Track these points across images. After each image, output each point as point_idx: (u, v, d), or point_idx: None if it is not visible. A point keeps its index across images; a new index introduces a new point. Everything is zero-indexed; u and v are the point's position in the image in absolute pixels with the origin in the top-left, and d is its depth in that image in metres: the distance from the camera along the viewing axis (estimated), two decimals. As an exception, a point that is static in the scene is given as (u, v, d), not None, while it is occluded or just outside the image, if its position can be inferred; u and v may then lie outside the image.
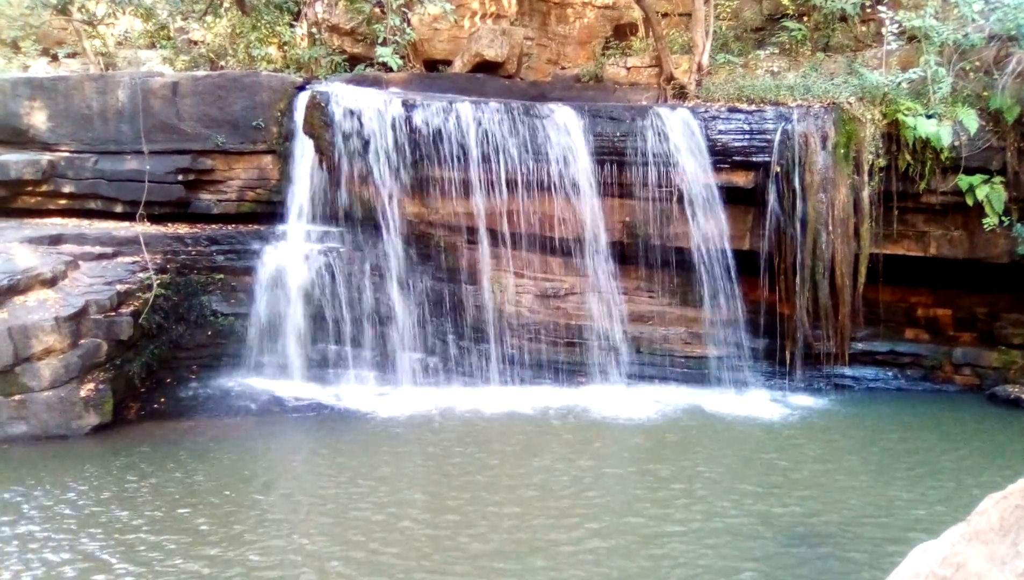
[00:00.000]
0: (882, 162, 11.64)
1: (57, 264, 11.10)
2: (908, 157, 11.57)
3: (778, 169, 11.58)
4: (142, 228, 12.47)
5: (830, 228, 11.61)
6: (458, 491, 8.30)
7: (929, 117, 11.45)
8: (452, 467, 9.03)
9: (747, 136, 11.73)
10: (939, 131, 11.24)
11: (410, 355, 12.23)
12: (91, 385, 10.16)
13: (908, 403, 11.68)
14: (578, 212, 12.03)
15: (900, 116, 11.50)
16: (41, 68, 17.22)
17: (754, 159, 11.71)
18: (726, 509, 7.84)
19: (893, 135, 11.64)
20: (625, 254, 12.35)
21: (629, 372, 12.26)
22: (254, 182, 13.13)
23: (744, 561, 6.78)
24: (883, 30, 12.35)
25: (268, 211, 13.07)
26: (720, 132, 11.77)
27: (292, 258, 12.32)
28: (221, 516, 7.70)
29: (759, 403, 11.51)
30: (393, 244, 12.28)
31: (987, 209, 11.27)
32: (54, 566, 6.72)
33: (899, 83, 11.82)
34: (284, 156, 12.96)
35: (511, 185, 11.99)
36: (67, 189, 13.09)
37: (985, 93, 11.58)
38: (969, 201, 11.35)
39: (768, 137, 11.61)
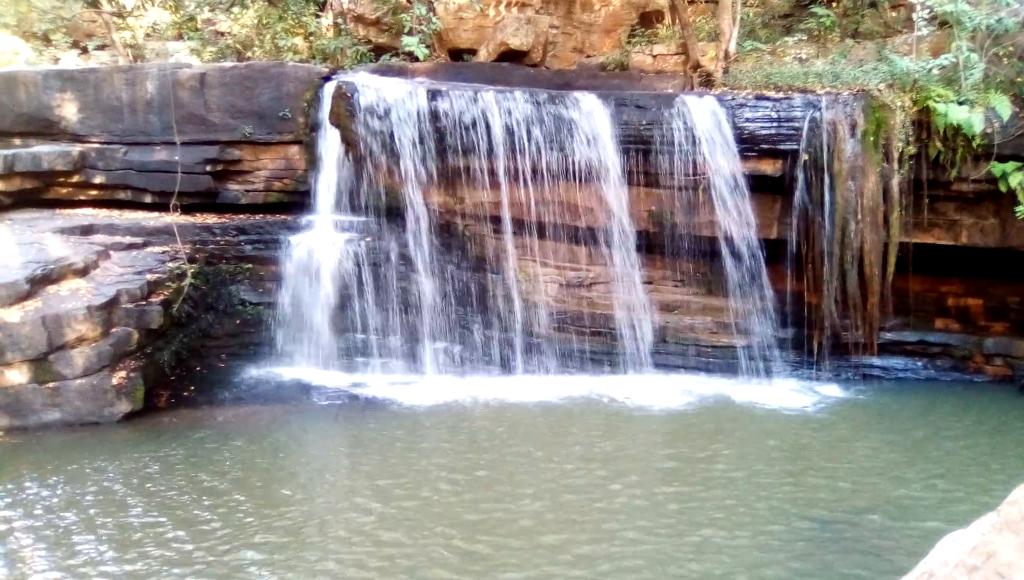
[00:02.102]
0: (912, 150, 11.49)
1: (89, 254, 11.27)
2: (939, 144, 11.41)
3: (806, 157, 11.47)
4: (173, 218, 12.60)
5: (859, 217, 11.49)
6: (484, 478, 8.35)
7: (961, 104, 11.27)
8: (478, 454, 9.07)
9: (775, 124, 11.62)
10: (971, 118, 11.06)
11: (436, 344, 12.28)
12: (122, 373, 10.31)
13: (937, 393, 11.56)
14: (604, 201, 12.00)
15: (931, 103, 11.33)
16: (71, 60, 17.42)
17: (782, 147, 11.61)
18: (753, 497, 7.82)
19: (923, 122, 11.48)
20: (651, 243, 12.30)
21: (655, 361, 12.23)
22: (281, 172, 13.22)
23: (771, 548, 6.76)
24: (914, 15, 12.17)
25: (295, 201, 13.16)
26: (747, 120, 11.68)
27: (319, 248, 12.40)
28: (250, 500, 7.80)
29: (786, 393, 11.44)
30: (419, 233, 12.32)
31: (1020, 197, 11.09)
32: (91, 548, 6.84)
33: (930, 69, 11.65)
34: (310, 146, 13.02)
35: (536, 174, 11.98)
36: (97, 180, 13.25)
37: (1019, 79, 11.38)
38: (1003, 188, 11.18)
39: (796, 125, 11.50)
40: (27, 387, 9.80)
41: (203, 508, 7.65)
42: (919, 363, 12.44)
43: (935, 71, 11.68)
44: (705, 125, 11.65)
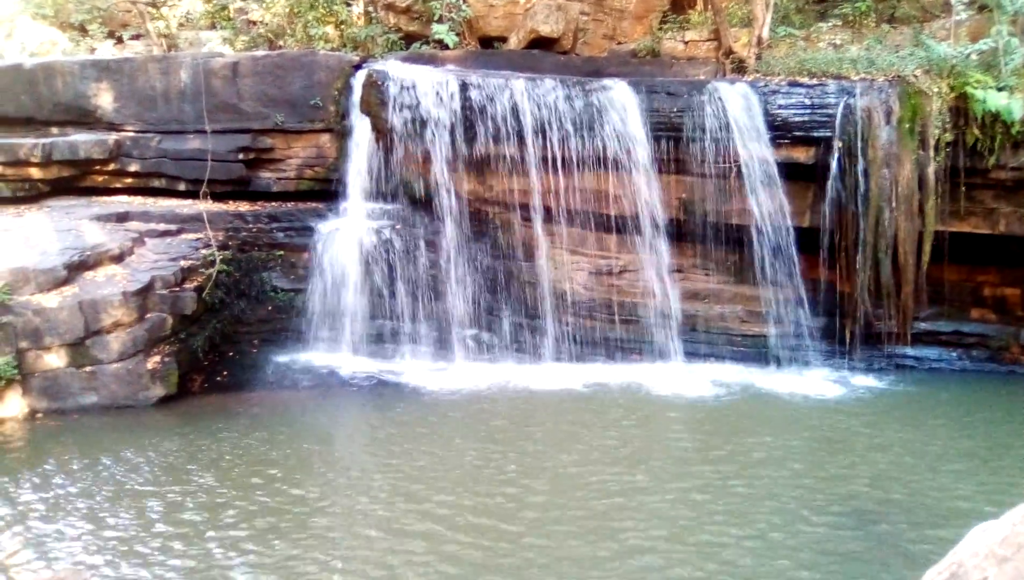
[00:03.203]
0: (949, 137, 11.31)
1: (124, 240, 11.45)
2: (976, 131, 11.22)
3: (840, 144, 11.33)
4: (205, 206, 12.75)
5: (893, 205, 11.34)
6: (512, 463, 8.38)
7: (1000, 90, 11.07)
8: (506, 440, 9.12)
9: (808, 111, 11.49)
10: (1010, 104, 10.86)
11: (465, 331, 12.33)
12: (157, 358, 10.48)
13: (972, 384, 11.41)
14: (634, 189, 11.96)
15: (969, 89, 11.14)
16: (107, 50, 17.64)
17: (815, 134, 11.49)
18: (782, 487, 7.79)
19: (961, 109, 11.29)
20: (681, 231, 12.24)
21: (684, 350, 12.18)
22: (312, 160, 13.31)
23: (800, 538, 6.74)
24: (952, 0, 11.95)
25: (326, 189, 13.25)
26: (780, 107, 11.56)
27: (350, 235, 12.49)
28: (284, 482, 7.91)
29: (818, 383, 11.35)
30: (449, 221, 12.37)
31: (1060, 185, 10.89)
32: (128, 527, 6.99)
33: (968, 55, 11.44)
34: (342, 134, 13.09)
35: (566, 162, 11.96)
36: (132, 168, 13.44)
37: (1060, 64, 11.15)
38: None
39: (830, 112, 11.37)
40: (65, 371, 10.00)
41: (236, 492, 7.77)
42: (954, 354, 12.27)
43: (973, 56, 11.47)
44: (737, 112, 11.55)
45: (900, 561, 6.33)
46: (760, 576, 6.19)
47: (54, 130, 13.61)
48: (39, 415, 9.86)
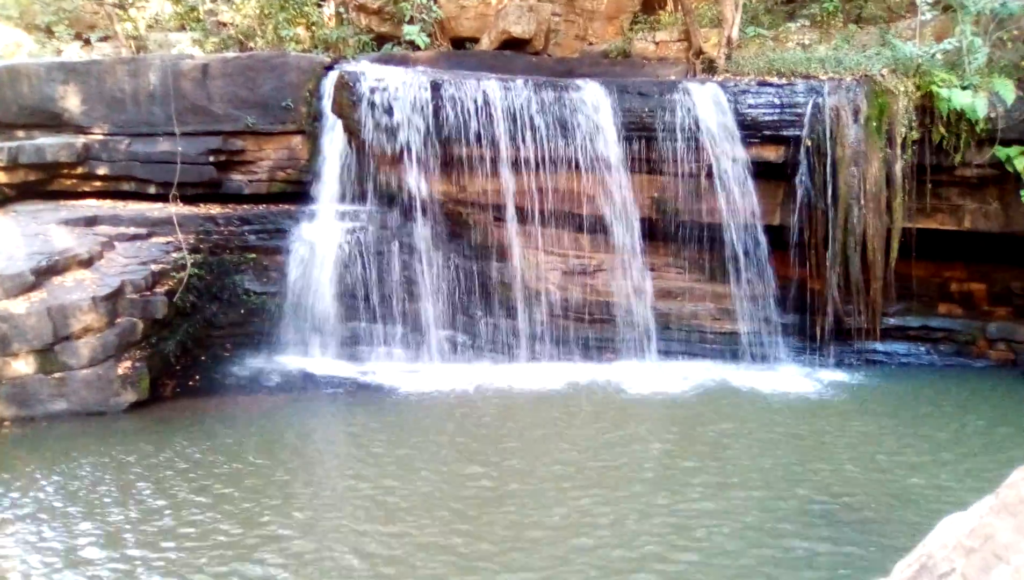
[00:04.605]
0: (915, 135, 11.47)
1: (93, 245, 11.30)
2: (942, 129, 11.39)
3: (809, 143, 11.46)
4: (175, 209, 12.62)
5: (862, 202, 11.49)
6: (489, 465, 8.39)
7: (964, 88, 11.25)
8: (482, 441, 9.12)
9: (777, 110, 11.61)
10: (974, 103, 11.04)
11: (440, 332, 12.32)
12: (128, 363, 10.36)
13: (940, 378, 11.58)
14: (606, 189, 12.00)
15: (934, 88, 11.31)
16: (74, 52, 17.42)
17: (784, 133, 11.60)
18: (755, 481, 7.87)
19: (927, 107, 11.46)
20: (654, 230, 12.31)
21: (658, 348, 12.25)
22: (284, 162, 13.22)
23: (771, 531, 6.81)
24: (917, 0, 12.13)
25: (298, 191, 13.16)
26: (750, 106, 11.66)
27: (323, 237, 12.43)
28: (256, 487, 7.85)
29: (790, 378, 11.47)
30: (422, 222, 12.35)
31: (1024, 181, 11.08)
32: (99, 536, 6.91)
33: (933, 54, 11.62)
34: (313, 136, 13.02)
35: (539, 162, 11.98)
36: (101, 171, 13.26)
37: (1023, 63, 11.34)
38: (1011, 169, 11.14)
39: (799, 111, 11.49)
40: (33, 377, 9.85)
41: (210, 495, 7.71)
42: (922, 348, 12.46)
43: (938, 56, 11.65)
44: (707, 112, 11.63)
45: (870, 553, 6.41)
46: (732, 568, 6.24)
47: (20, 133, 13.41)
48: (7, 423, 9.69)
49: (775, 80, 11.94)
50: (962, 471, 8.11)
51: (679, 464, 8.38)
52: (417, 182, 12.20)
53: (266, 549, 6.67)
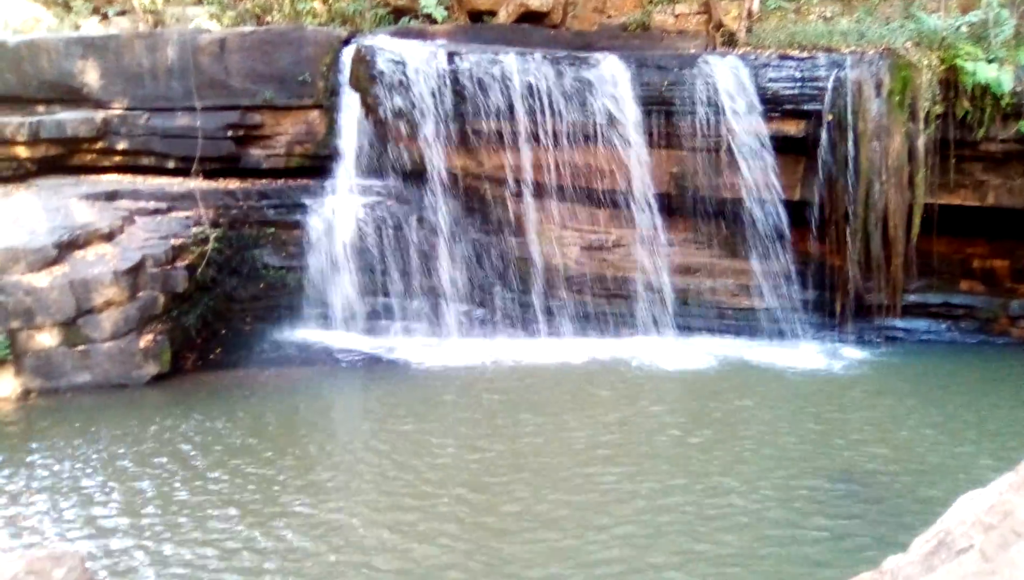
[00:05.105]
0: (939, 109, 11.31)
1: (114, 219, 11.39)
2: (966, 104, 11.22)
3: (830, 117, 11.33)
4: (196, 183, 12.67)
5: (883, 178, 11.37)
6: (506, 439, 8.44)
7: (990, 62, 11.07)
8: (500, 416, 9.17)
9: (798, 84, 11.47)
10: (1000, 76, 10.86)
11: (457, 307, 12.35)
12: (149, 336, 10.47)
13: (961, 356, 11.51)
14: (625, 163, 11.94)
15: (959, 61, 11.13)
16: (92, 27, 17.42)
17: (805, 107, 11.47)
18: (773, 456, 7.88)
19: (951, 81, 11.28)
20: (672, 205, 12.24)
21: (676, 324, 12.23)
22: (302, 137, 13.22)
23: (789, 508, 6.82)
24: (943, -29, 11.92)
25: (316, 165, 13.17)
26: (771, 80, 11.53)
27: (340, 212, 12.45)
28: (275, 460, 7.94)
29: (808, 355, 11.42)
30: (440, 196, 12.34)
31: (1050, 157, 10.92)
32: (123, 505, 7.03)
33: (958, 27, 11.42)
34: (331, 110, 13.00)
35: (557, 137, 11.93)
36: (120, 146, 13.33)
37: (1050, 36, 11.16)
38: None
39: (820, 85, 11.35)
40: (57, 350, 9.99)
41: (229, 467, 7.81)
42: (943, 325, 12.36)
43: (964, 28, 11.45)
44: (728, 85, 11.51)
45: (888, 529, 6.41)
46: (749, 542, 6.27)
47: (40, 108, 13.47)
48: (33, 394, 9.85)
49: (796, 53, 11.79)
50: (982, 448, 8.08)
51: (696, 439, 8.39)
52: (435, 156, 12.19)
53: (284, 520, 6.76)
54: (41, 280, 9.90)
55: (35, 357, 9.91)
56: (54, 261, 10.18)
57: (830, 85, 11.28)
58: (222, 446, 8.34)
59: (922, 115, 11.28)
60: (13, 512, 6.95)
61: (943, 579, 1.99)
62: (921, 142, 11.33)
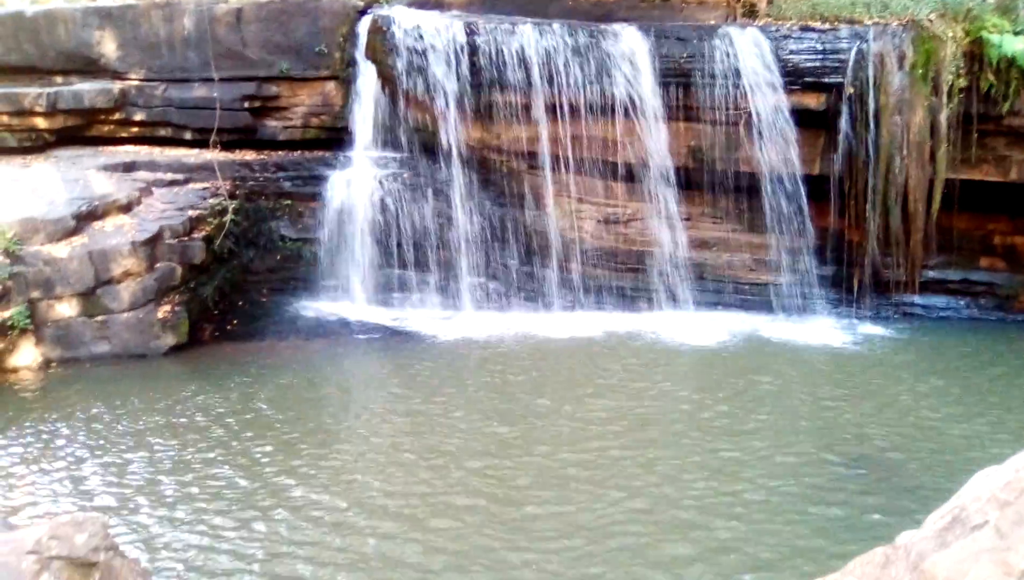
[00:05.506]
0: (962, 83, 11.12)
1: (132, 190, 11.45)
2: (991, 77, 11.04)
3: (852, 90, 11.18)
4: (213, 155, 12.70)
5: (904, 152, 11.23)
6: (521, 412, 8.47)
7: (1016, 34, 10.86)
8: (515, 388, 9.20)
9: (820, 56, 11.31)
10: (1026, 49, 10.67)
11: (473, 279, 12.36)
12: (167, 307, 10.56)
13: (980, 333, 11.41)
14: (642, 136, 11.85)
15: (984, 34, 10.93)
16: (109, -4, 17.39)
17: (827, 80, 11.32)
18: (789, 431, 7.87)
19: (976, 54, 11.09)
20: (690, 179, 12.15)
21: (693, 298, 12.19)
22: (318, 108, 13.20)
23: (803, 482, 6.82)
24: (969, -59, 11.67)
25: (333, 137, 13.16)
26: (791, 52, 11.38)
27: (357, 184, 12.45)
28: (289, 430, 8.02)
29: (825, 331, 11.37)
30: (456, 169, 12.30)
31: (1075, 131, 10.74)
32: (142, 473, 7.13)
33: (985, -2, 11.21)
34: (347, 82, 12.97)
35: (574, 109, 11.84)
36: (138, 117, 13.36)
37: (1079, 7, 10.93)
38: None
39: (842, 57, 11.19)
40: (77, 320, 10.09)
41: (246, 437, 7.89)
42: (961, 302, 12.25)
43: (990, 0, 11.23)
44: (748, 57, 11.37)
45: (902, 504, 6.41)
46: (764, 517, 6.28)
47: (58, 79, 13.52)
48: (53, 364, 9.97)
49: (818, 25, 11.61)
50: (998, 425, 8.04)
51: (711, 414, 8.39)
52: (451, 129, 12.13)
53: (299, 489, 6.83)
54: (60, 251, 9.98)
55: (55, 327, 10.01)
56: (73, 232, 10.25)
57: (852, 58, 11.12)
58: (238, 417, 8.42)
59: (945, 88, 11.10)
60: (34, 479, 7.06)
61: (957, 555, 1.99)
62: (944, 116, 11.16)
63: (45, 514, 6.39)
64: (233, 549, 5.98)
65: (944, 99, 11.13)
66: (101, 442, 7.81)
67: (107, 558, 3.23)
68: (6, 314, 9.49)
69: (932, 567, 1.99)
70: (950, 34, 11.08)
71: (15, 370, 9.68)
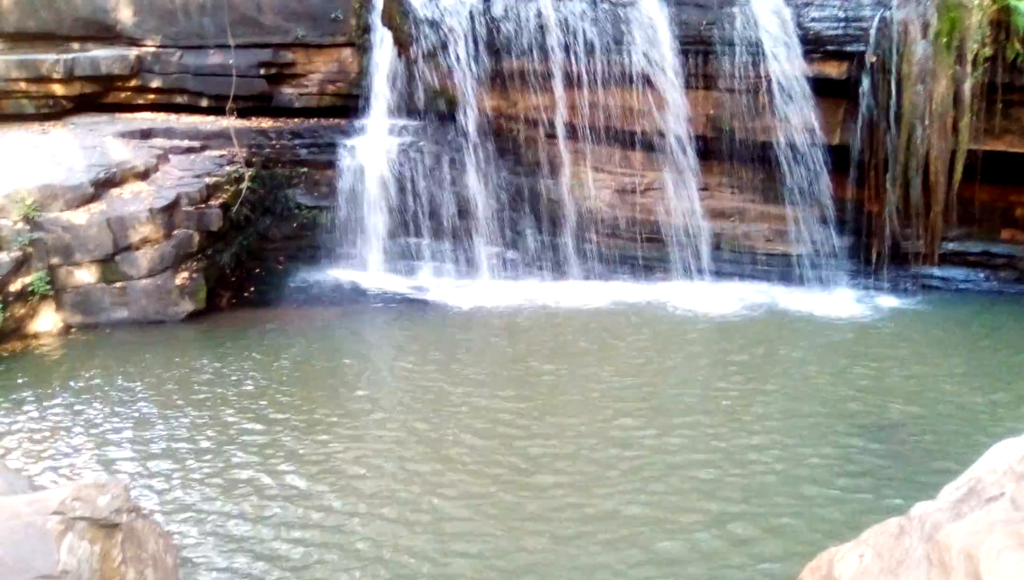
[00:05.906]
0: (988, 52, 10.91)
1: (149, 157, 11.49)
2: (1018, 46, 10.81)
3: (874, 59, 10.99)
4: (230, 122, 12.70)
5: (926, 122, 11.06)
6: (536, 382, 8.51)
7: (1045, 1, 10.64)
8: (530, 358, 9.23)
9: (842, 24, 11.12)
10: (1054, 17, 10.46)
11: (489, 248, 12.35)
12: (185, 274, 10.63)
13: (999, 306, 11.30)
14: (660, 105, 11.73)
15: (1011, 1, 10.70)
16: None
17: (848, 49, 11.13)
18: (805, 402, 7.87)
19: (1002, 22, 10.86)
20: (708, 148, 12.03)
21: (710, 269, 12.13)
22: (334, 76, 13.17)
23: (820, 454, 6.83)
24: (998, -96, 11.40)
25: (349, 105, 13.14)
26: (813, 19, 11.19)
27: (372, 152, 12.43)
28: (306, 397, 8.09)
29: (843, 302, 11.30)
30: (472, 137, 12.24)
31: (1102, 101, 10.55)
32: (163, 436, 7.23)
33: (1012, -36, 10.97)
34: (363, 49, 12.91)
35: (591, 77, 11.72)
36: (154, 84, 13.38)
37: (1109, -26, 10.67)
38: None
39: (864, 25, 10.99)
40: (96, 286, 10.18)
41: (263, 403, 7.97)
42: (981, 274, 12.12)
43: (1018, -34, 11.00)
44: (768, 25, 11.21)
45: (918, 476, 6.41)
46: (779, 488, 6.31)
47: (75, 45, 13.53)
48: (73, 329, 10.08)
49: (841, -9, 11.41)
50: (1016, 398, 7.99)
51: (727, 385, 8.38)
52: (467, 96, 12.06)
53: (316, 455, 6.91)
54: (79, 217, 10.05)
55: (74, 293, 10.11)
56: (91, 198, 10.31)
57: (874, 26, 10.93)
58: (255, 382, 8.50)
59: (970, 58, 10.90)
60: (56, 442, 7.18)
61: (971, 526, 1.99)
62: (967, 86, 10.97)
63: (68, 475, 6.50)
64: (250, 511, 6.08)
65: (968, 68, 10.93)
66: (121, 407, 7.92)
67: (129, 519, 3.30)
68: (27, 280, 9.59)
69: (946, 538, 2.00)
70: (976, 2, 10.85)
71: (36, 335, 9.80)
